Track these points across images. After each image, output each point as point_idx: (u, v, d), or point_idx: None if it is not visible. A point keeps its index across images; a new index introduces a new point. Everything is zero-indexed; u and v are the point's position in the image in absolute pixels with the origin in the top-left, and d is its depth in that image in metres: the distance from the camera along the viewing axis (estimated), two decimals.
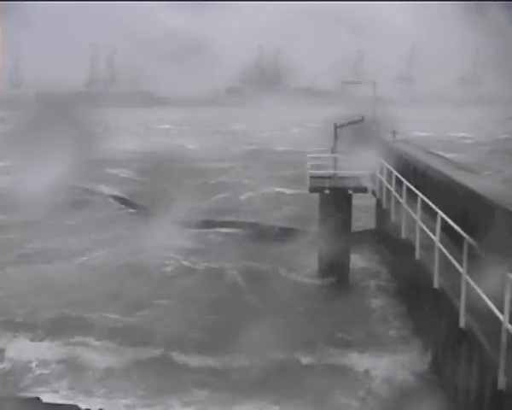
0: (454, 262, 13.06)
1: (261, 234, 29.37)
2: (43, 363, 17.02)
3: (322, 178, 24.09)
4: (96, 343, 18.38)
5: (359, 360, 17.19)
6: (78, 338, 18.65)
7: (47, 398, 13.02)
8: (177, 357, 17.49)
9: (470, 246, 12.13)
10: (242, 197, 39.58)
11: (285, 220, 31.56)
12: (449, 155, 27.08)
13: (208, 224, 31.89)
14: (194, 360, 17.28)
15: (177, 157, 53.37)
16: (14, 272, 25.10)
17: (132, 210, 36.45)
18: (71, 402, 13.51)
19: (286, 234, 28.46)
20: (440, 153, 25.71)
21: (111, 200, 39.63)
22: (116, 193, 40.92)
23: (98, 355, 17.62)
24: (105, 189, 42.73)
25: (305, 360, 17.31)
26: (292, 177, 42.43)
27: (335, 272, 22.79)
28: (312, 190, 23.43)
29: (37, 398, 12.52)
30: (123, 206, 37.97)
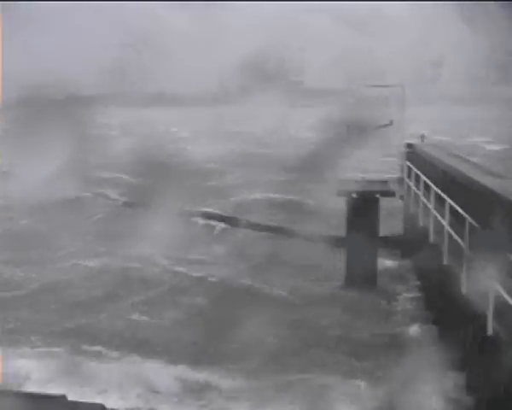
0: (483, 270, 12.95)
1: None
2: (49, 366, 17.16)
3: (350, 181, 24.07)
4: (100, 348, 18.35)
5: (380, 364, 17.15)
6: (79, 343, 18.60)
7: (72, 396, 13.11)
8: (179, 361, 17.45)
9: None
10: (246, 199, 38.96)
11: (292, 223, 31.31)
12: (476, 160, 26.85)
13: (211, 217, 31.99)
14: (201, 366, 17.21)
15: (181, 160, 52.57)
16: (14, 274, 24.99)
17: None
18: (96, 401, 13.60)
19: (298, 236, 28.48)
20: (468, 158, 25.59)
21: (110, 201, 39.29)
22: (115, 195, 40.52)
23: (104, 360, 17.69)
24: (105, 191, 42.26)
25: (326, 362, 17.32)
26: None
27: (362, 276, 22.65)
28: (340, 193, 23.36)
29: (63, 396, 12.59)
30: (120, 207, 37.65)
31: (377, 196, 22.93)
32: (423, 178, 21.02)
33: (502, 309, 12.20)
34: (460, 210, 15.71)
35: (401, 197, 24.24)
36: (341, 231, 24.22)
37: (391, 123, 24.67)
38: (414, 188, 21.99)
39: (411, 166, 22.94)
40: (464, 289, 14.52)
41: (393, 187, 23.85)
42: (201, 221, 32.86)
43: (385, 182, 24.15)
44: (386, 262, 24.68)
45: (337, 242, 25.16)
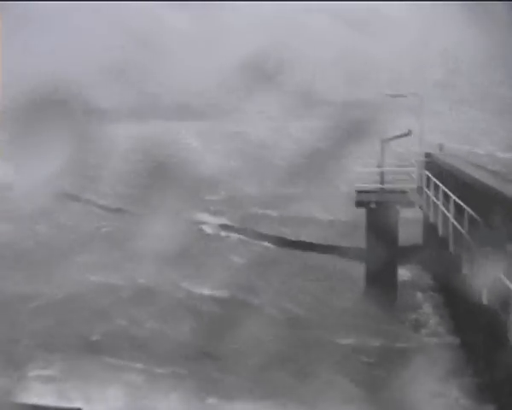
0: (504, 280, 12.87)
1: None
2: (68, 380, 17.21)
3: (369, 192, 23.98)
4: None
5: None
6: (100, 356, 18.71)
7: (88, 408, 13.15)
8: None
9: None
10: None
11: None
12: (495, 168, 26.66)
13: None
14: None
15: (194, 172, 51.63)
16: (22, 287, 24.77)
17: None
18: None
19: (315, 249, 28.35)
20: (489, 167, 25.41)
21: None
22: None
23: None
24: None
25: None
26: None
27: (382, 286, 22.54)
28: (359, 204, 23.29)
29: (79, 409, 12.61)
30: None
31: (396, 206, 22.84)
32: (442, 187, 20.90)
33: None
34: (479, 219, 15.64)
35: (420, 207, 24.10)
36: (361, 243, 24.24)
37: (409, 133, 24.57)
38: (433, 197, 21.87)
39: (430, 175, 22.82)
40: (485, 299, 14.41)
41: (413, 197, 23.73)
42: (210, 230, 32.75)
43: (404, 192, 24.04)
44: (406, 272, 24.58)
45: (357, 253, 25.06)
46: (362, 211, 23.80)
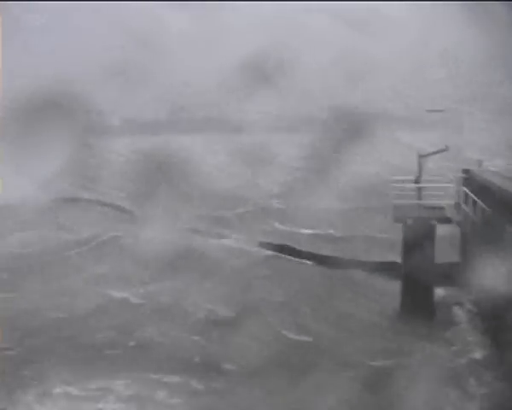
0: None
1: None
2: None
3: (406, 207, 23.88)
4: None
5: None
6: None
7: None
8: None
9: None
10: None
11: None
12: None
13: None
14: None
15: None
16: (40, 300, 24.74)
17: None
18: None
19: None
20: None
21: None
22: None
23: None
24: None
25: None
26: None
27: (419, 303, 22.47)
28: (396, 219, 23.18)
29: None
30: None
31: (433, 222, 22.74)
32: (480, 203, 20.79)
33: None
34: None
35: (458, 224, 23.99)
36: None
37: (446, 148, 24.48)
38: (471, 214, 21.77)
39: (468, 191, 22.72)
40: None
41: (450, 213, 23.65)
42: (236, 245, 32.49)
43: (441, 208, 23.95)
44: (442, 289, 24.50)
45: (393, 268, 24.95)
46: (394, 225, 23.81)
